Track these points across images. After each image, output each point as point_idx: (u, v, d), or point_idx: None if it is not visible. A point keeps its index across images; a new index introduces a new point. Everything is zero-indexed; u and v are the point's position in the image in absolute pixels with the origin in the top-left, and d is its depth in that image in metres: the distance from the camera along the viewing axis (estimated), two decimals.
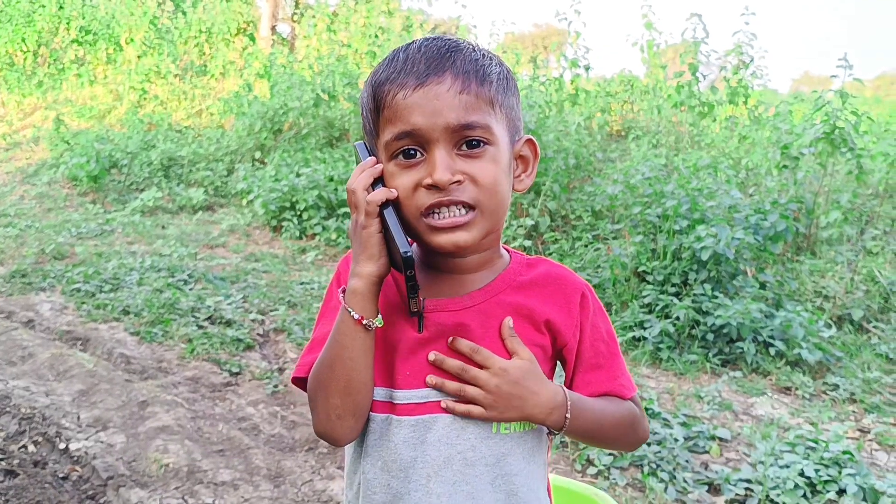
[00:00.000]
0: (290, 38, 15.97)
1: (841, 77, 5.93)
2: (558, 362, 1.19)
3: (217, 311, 4.93)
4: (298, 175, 7.64)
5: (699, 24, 8.04)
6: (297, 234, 7.20)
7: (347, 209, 7.18)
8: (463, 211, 1.04)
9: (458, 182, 1.02)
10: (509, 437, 1.11)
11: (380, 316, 1.06)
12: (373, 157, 1.07)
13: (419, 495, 1.09)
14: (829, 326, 4.68)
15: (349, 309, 1.04)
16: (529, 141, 1.13)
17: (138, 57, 13.78)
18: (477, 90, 1.02)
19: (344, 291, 1.06)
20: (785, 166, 5.86)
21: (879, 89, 21.45)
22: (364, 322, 1.04)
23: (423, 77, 1.01)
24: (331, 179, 7.54)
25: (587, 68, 9.13)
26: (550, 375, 1.16)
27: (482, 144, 1.03)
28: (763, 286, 4.91)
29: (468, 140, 1.02)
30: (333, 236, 6.94)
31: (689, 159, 6.64)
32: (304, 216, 7.28)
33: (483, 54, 1.07)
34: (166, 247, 6.70)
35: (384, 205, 1.03)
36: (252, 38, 14.93)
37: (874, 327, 4.83)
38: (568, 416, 1.09)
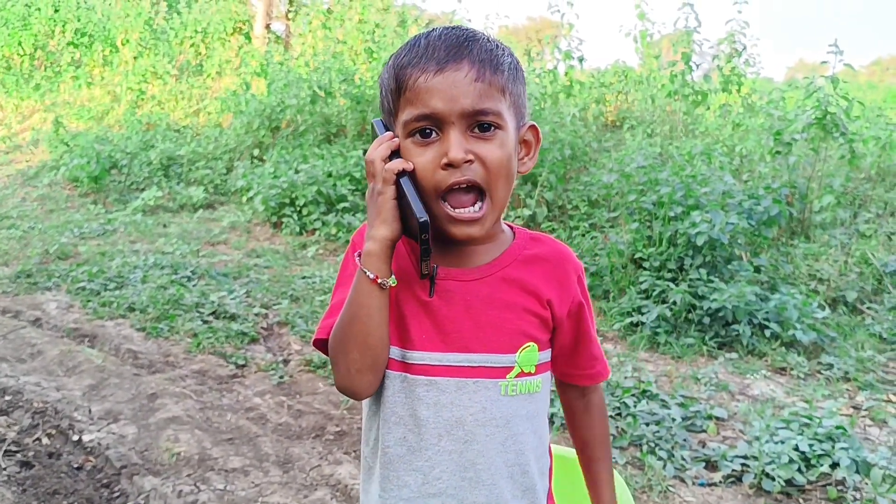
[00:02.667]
0: (284, 37, 16.00)
1: (832, 63, 6.01)
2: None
3: (221, 306, 5.00)
4: (297, 171, 7.70)
5: (692, 14, 8.11)
6: (298, 229, 7.27)
7: (346, 204, 7.25)
8: (478, 207, 1.12)
9: (470, 161, 1.10)
10: (515, 399, 1.20)
11: (393, 276, 1.14)
12: (390, 132, 1.16)
13: (431, 452, 1.18)
14: (823, 308, 4.76)
15: (365, 269, 1.12)
16: (532, 127, 1.22)
17: (134, 58, 13.82)
18: (491, 78, 1.10)
19: (360, 255, 1.14)
20: (778, 152, 5.94)
21: (874, 75, 21.51)
22: (379, 281, 1.12)
23: (442, 63, 1.09)
24: (329, 175, 7.60)
25: (581, 60, 9.18)
26: (549, 345, 1.25)
27: (493, 128, 1.12)
28: (758, 270, 4.99)
29: (480, 124, 1.11)
30: (333, 231, 7.00)
31: (684, 147, 6.71)
32: (304, 212, 7.35)
33: (496, 45, 1.15)
34: (168, 245, 6.77)
35: (401, 174, 1.11)
36: (248, 37, 14.97)
37: (868, 308, 4.91)
38: None
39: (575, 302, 1.24)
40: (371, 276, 1.12)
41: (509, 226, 1.27)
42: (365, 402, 1.26)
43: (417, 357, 1.18)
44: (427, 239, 1.09)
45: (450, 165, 1.09)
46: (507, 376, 1.18)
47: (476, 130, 1.10)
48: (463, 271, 1.20)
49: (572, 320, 1.25)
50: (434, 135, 1.11)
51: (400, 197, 1.11)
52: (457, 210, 1.11)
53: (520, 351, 1.19)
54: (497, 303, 1.19)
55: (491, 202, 1.13)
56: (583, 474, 1.36)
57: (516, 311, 1.19)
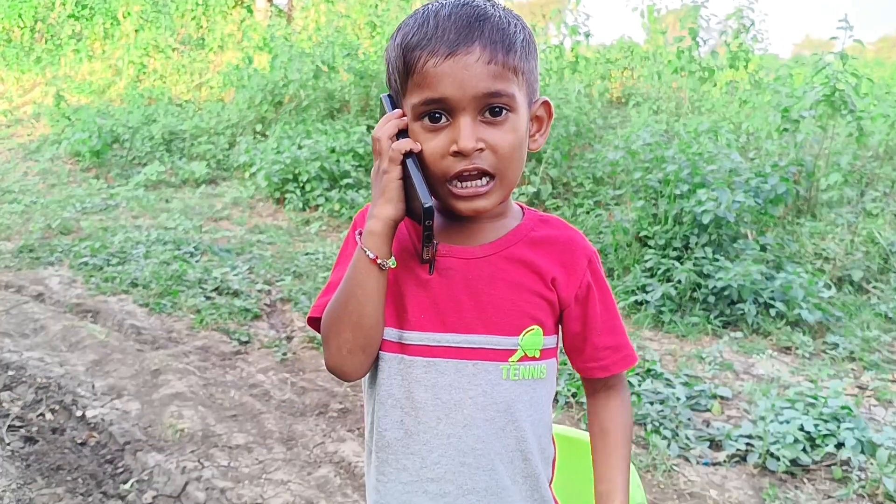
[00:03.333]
0: (287, 10, 15.85)
1: (841, 39, 5.92)
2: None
3: (224, 282, 4.99)
4: (300, 147, 7.65)
5: None
6: (301, 205, 7.24)
7: (349, 180, 7.21)
8: (484, 181, 1.09)
9: (480, 150, 1.06)
10: (518, 384, 1.15)
11: (393, 257, 1.10)
12: (399, 110, 1.12)
13: (429, 436, 1.14)
14: (829, 287, 4.73)
15: (365, 249, 1.09)
16: (545, 102, 1.18)
17: (136, 31, 13.71)
18: (504, 60, 1.06)
19: (361, 234, 1.11)
20: (785, 129, 5.87)
21: (881, 52, 21.30)
22: (378, 261, 1.09)
23: (453, 46, 1.05)
24: (332, 151, 7.55)
25: (587, 35, 9.10)
26: (556, 329, 1.21)
27: (504, 111, 1.08)
28: (763, 248, 4.96)
29: (492, 107, 1.07)
30: (336, 207, 6.97)
31: (690, 124, 6.66)
32: (307, 188, 7.31)
33: (509, 21, 1.10)
34: (171, 220, 6.75)
35: (407, 154, 1.07)
36: (249, 11, 14.82)
37: (873, 287, 4.89)
38: None
39: (583, 286, 1.18)
40: (371, 255, 1.08)
41: (520, 206, 1.23)
42: (364, 387, 1.23)
43: (416, 337, 1.14)
44: (430, 225, 1.06)
45: (459, 153, 1.06)
46: (510, 359, 1.14)
47: (487, 115, 1.07)
48: (466, 249, 1.15)
49: (580, 306, 1.19)
50: (444, 119, 1.07)
51: (405, 177, 1.08)
52: (462, 184, 1.08)
53: (523, 333, 1.14)
54: (500, 283, 1.14)
55: (499, 182, 1.10)
56: (593, 463, 1.25)
57: (521, 291, 1.15)
